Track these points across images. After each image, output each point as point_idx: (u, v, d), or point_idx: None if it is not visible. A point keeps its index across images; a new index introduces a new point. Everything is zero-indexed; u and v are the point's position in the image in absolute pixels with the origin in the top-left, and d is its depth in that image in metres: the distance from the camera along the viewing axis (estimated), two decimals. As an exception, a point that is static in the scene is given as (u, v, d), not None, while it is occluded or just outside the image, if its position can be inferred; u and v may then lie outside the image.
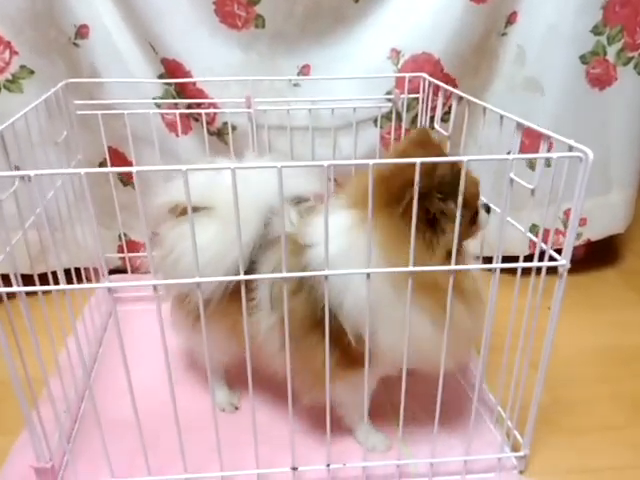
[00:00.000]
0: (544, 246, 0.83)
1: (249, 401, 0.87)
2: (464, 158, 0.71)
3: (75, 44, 1.34)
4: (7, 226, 0.80)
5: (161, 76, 1.40)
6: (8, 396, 0.86)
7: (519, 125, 0.86)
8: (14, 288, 0.77)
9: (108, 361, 1.26)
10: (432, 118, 1.30)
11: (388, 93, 1.39)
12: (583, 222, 1.57)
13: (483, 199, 0.92)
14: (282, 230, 0.76)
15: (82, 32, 1.32)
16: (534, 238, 0.88)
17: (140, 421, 0.87)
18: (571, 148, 0.76)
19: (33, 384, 0.89)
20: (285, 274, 0.78)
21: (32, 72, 1.37)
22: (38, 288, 0.81)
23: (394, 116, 1.39)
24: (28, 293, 0.81)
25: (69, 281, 0.83)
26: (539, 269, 0.84)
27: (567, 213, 1.47)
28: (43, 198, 0.92)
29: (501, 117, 0.92)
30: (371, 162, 0.71)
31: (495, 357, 0.97)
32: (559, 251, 0.83)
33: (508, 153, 0.84)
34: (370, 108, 1.39)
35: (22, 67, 1.36)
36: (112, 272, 1.57)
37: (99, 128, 1.31)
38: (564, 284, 0.82)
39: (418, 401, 1.04)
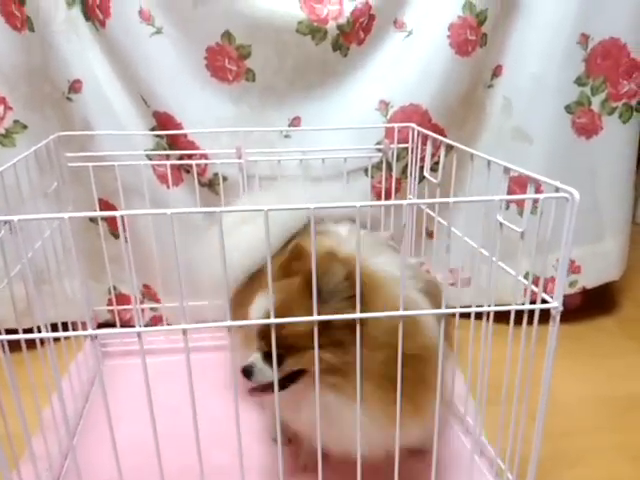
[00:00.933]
0: (535, 288, 0.82)
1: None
2: (450, 200, 0.71)
3: (68, 98, 1.36)
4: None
5: (153, 129, 1.42)
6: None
7: (506, 169, 0.86)
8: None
9: (94, 417, 1.22)
10: (422, 167, 1.31)
11: (378, 143, 1.40)
12: (577, 270, 1.56)
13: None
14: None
15: (75, 87, 1.35)
16: (525, 282, 0.87)
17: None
18: (557, 189, 0.76)
19: (14, 442, 0.86)
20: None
21: (25, 127, 1.39)
22: (20, 336, 0.79)
23: (384, 166, 1.40)
24: (12, 349, 0.79)
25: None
26: (531, 315, 0.83)
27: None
28: (30, 249, 0.92)
29: (488, 162, 0.93)
30: (358, 204, 0.70)
31: (494, 407, 0.94)
32: (553, 298, 0.82)
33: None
34: (360, 158, 1.41)
35: (16, 122, 1.38)
36: (102, 326, 1.54)
37: (90, 181, 1.31)
38: (557, 327, 0.80)
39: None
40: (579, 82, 1.42)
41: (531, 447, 0.89)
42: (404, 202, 0.72)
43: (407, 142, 1.37)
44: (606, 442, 1.17)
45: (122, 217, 0.68)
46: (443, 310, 0.77)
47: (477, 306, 0.86)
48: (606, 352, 1.52)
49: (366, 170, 1.42)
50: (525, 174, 0.82)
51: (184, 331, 0.76)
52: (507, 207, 1.28)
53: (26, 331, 0.83)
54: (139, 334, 0.76)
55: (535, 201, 0.79)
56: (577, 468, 1.09)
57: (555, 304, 0.79)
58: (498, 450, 1.00)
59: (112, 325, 1.55)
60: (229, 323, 0.76)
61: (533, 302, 0.83)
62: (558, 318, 0.80)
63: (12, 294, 0.87)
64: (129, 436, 0.89)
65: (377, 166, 1.42)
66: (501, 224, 0.82)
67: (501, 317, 0.87)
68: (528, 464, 0.91)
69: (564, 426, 1.19)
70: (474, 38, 1.35)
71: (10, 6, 1.28)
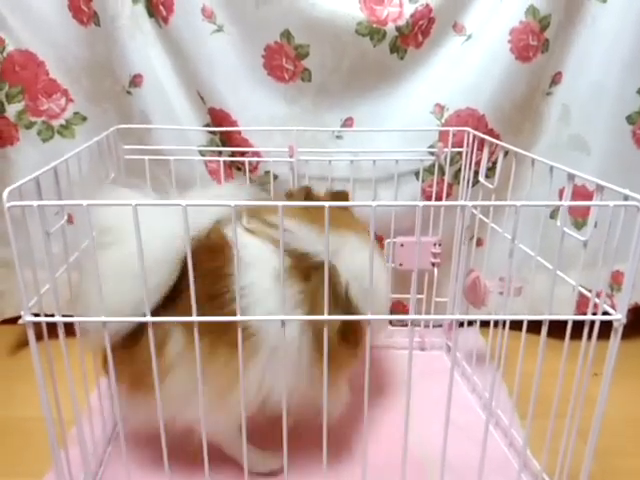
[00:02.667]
0: (597, 300, 0.80)
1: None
2: (517, 203, 0.70)
3: (128, 92, 1.39)
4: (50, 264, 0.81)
5: (207, 125, 1.44)
6: (32, 437, 0.85)
7: (570, 176, 0.84)
8: (56, 318, 0.77)
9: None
10: (476, 172, 1.29)
11: (431, 147, 1.39)
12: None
13: None
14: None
15: (136, 81, 1.37)
16: (586, 292, 0.84)
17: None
18: (627, 198, 0.74)
19: (65, 425, 0.88)
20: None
21: (85, 119, 1.43)
22: (78, 319, 0.82)
23: (436, 169, 1.39)
24: (67, 332, 0.81)
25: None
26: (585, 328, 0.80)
27: (615, 275, 1.43)
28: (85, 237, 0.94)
29: (551, 168, 0.91)
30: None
31: (538, 421, 0.92)
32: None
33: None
34: (412, 161, 1.40)
35: (76, 114, 1.42)
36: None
37: (144, 174, 1.33)
38: (619, 341, 0.78)
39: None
40: (642, 92, 1.38)
41: (577, 464, 0.87)
42: (461, 203, 0.71)
43: (461, 146, 1.36)
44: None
45: (185, 207, 0.69)
46: (496, 316, 0.76)
47: (530, 325, 0.84)
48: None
49: (417, 173, 1.41)
50: (592, 181, 0.80)
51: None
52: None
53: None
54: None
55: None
56: (625, 488, 1.06)
57: (618, 316, 0.77)
58: (544, 465, 0.98)
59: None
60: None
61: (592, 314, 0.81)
62: (620, 331, 0.77)
63: (69, 281, 0.90)
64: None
65: (428, 169, 1.41)
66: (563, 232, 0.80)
67: (551, 330, 0.84)
68: (574, 481, 0.89)
69: (611, 445, 1.15)
70: (536, 44, 1.32)
71: (79, 1, 1.33)
